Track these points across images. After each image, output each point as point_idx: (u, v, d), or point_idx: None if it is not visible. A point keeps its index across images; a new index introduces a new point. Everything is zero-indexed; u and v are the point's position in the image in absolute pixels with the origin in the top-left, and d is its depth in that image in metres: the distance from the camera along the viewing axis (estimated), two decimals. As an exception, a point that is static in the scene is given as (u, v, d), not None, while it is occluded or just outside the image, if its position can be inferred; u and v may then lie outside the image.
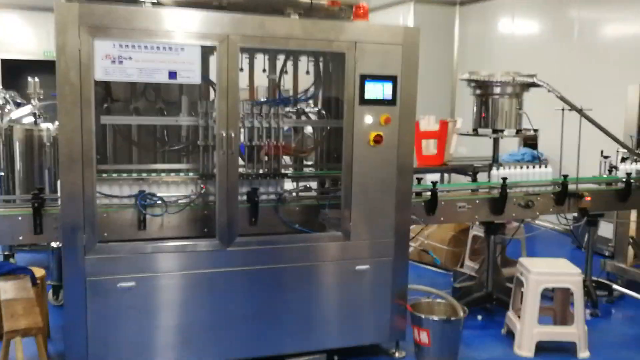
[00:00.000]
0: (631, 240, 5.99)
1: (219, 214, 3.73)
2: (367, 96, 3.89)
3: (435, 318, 4.21)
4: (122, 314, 3.62)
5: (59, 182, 3.59)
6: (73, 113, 3.37)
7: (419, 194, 4.57)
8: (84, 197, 3.45)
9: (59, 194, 3.66)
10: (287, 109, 4.29)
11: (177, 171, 4.12)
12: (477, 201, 4.74)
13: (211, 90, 4.07)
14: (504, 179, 4.78)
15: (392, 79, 3.92)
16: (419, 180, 4.75)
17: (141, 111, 4.13)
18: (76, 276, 3.51)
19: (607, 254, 6.75)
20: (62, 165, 3.41)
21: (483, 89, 5.13)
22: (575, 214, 5.38)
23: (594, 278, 5.66)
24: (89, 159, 3.44)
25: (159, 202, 3.90)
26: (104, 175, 3.90)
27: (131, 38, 3.41)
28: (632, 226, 5.99)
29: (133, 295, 3.62)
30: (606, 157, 5.65)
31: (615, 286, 5.68)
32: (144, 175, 4.01)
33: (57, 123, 4.22)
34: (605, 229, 6.63)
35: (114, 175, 3.95)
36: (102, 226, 3.69)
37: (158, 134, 4.17)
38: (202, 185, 4.01)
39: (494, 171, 4.98)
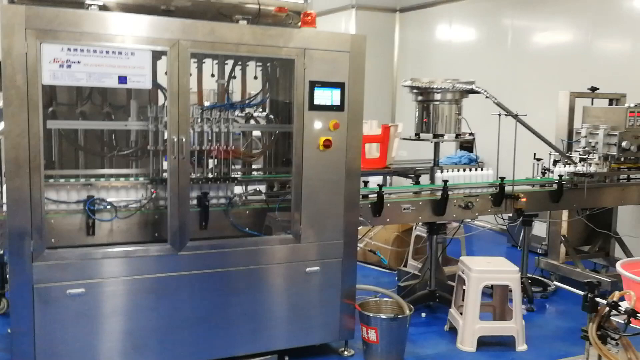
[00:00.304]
0: (563, 239, 6.32)
1: (170, 219, 3.74)
2: (316, 102, 3.98)
3: (383, 316, 4.35)
4: (72, 321, 3.57)
5: (2, 188, 3.52)
6: (20, 117, 3.32)
7: (365, 197, 4.70)
8: (31, 203, 3.40)
9: (2, 199, 3.60)
10: (236, 112, 4.33)
11: (127, 176, 4.10)
12: (421, 203, 4.91)
13: (160, 94, 4.07)
14: (445, 181, 4.98)
15: (340, 85, 4.03)
16: (365, 183, 4.87)
17: (87, 115, 4.09)
18: (23, 284, 3.44)
19: (539, 251, 7.08)
20: (9, 170, 3.35)
21: (424, 95, 5.30)
22: (510, 214, 5.63)
23: (529, 275, 5.94)
24: (36, 164, 3.39)
25: (108, 207, 3.88)
26: (51, 180, 3.84)
27: (80, 42, 3.39)
28: (564, 225, 6.32)
29: (83, 301, 3.58)
30: (539, 160, 5.94)
31: (555, 282, 5.96)
32: (93, 180, 3.97)
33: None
34: (539, 228, 6.97)
35: (62, 180, 3.89)
36: (50, 232, 3.64)
37: (106, 138, 4.13)
38: (152, 190, 4.01)
39: (439, 174, 5.18)
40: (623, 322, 2.87)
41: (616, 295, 2.90)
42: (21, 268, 3.43)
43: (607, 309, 2.87)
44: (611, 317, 2.91)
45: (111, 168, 4.11)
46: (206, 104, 4.27)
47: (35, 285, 3.47)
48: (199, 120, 4.01)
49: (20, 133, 3.33)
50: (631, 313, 2.80)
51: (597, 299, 2.90)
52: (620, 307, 2.85)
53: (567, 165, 5.72)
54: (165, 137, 3.80)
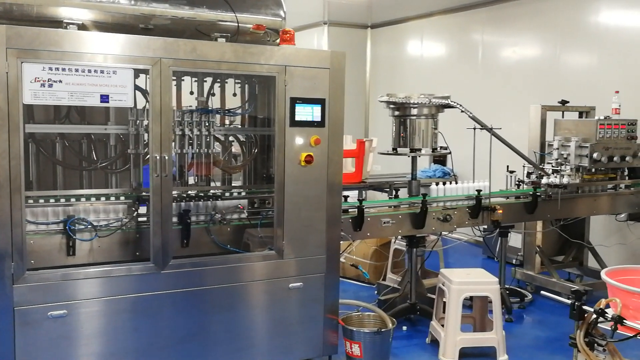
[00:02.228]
0: (538, 249, 6.43)
1: (153, 237, 3.72)
2: (297, 118, 4.02)
3: (367, 330, 4.38)
4: (53, 343, 3.51)
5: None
6: (0, 138, 3.28)
7: (345, 211, 4.72)
8: (11, 225, 3.35)
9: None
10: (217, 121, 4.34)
11: (107, 195, 4.06)
12: (400, 216, 4.96)
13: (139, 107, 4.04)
14: (424, 194, 5.05)
15: (321, 101, 4.08)
16: (345, 198, 4.90)
17: (65, 134, 4.05)
18: (3, 306, 3.38)
19: (515, 262, 7.19)
20: (-11, 191, 3.30)
21: (401, 110, 5.36)
22: (486, 226, 5.72)
23: (506, 286, 6.03)
24: (17, 184, 3.34)
25: (89, 226, 3.84)
26: (31, 201, 3.79)
27: (62, 61, 3.37)
28: (539, 236, 6.44)
29: (64, 323, 3.53)
30: (512, 172, 6.06)
31: (542, 292, 5.98)
32: (73, 200, 3.93)
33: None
34: (514, 239, 7.08)
35: (41, 200, 3.84)
36: (29, 253, 3.59)
37: (85, 154, 4.10)
38: (133, 209, 3.98)
39: (433, 186, 5.30)
40: (610, 328, 2.94)
41: (602, 302, 2.97)
42: (1, 290, 3.37)
43: (594, 316, 2.95)
44: (598, 324, 2.98)
45: (91, 187, 4.08)
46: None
47: (16, 308, 3.41)
48: (179, 124, 4.02)
49: (1, 153, 3.29)
50: (617, 320, 2.87)
51: (584, 307, 2.97)
52: (606, 314, 2.92)
53: (541, 177, 5.83)
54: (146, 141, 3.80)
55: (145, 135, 3.91)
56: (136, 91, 3.84)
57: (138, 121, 3.93)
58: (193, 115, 4.08)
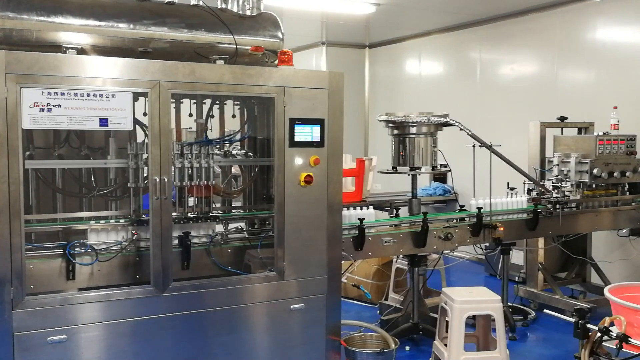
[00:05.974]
0: (540, 266, 6.40)
1: (153, 260, 3.70)
2: (296, 139, 4.01)
3: (369, 351, 4.34)
4: (54, 369, 3.48)
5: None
6: (-1, 163, 3.28)
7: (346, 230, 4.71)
8: (11, 250, 3.33)
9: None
10: (215, 150, 4.33)
11: (106, 218, 4.05)
12: (401, 235, 4.95)
13: (139, 131, 4.04)
14: (425, 213, 5.03)
15: (320, 122, 4.08)
16: (345, 217, 4.89)
17: (65, 158, 4.04)
18: (3, 332, 3.35)
19: (517, 279, 7.15)
20: (-12, 216, 3.29)
21: (400, 129, 5.38)
22: (487, 244, 5.69)
23: (510, 303, 5.99)
24: (16, 209, 3.33)
25: (89, 250, 3.82)
26: (30, 224, 3.78)
27: (61, 85, 3.37)
28: (541, 253, 6.41)
29: (64, 348, 3.49)
30: (512, 189, 6.04)
31: (546, 310, 5.94)
32: (72, 223, 3.92)
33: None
34: (516, 257, 7.05)
35: (37, 225, 3.83)
36: (29, 278, 3.55)
37: (85, 180, 4.09)
38: (133, 232, 3.96)
39: (473, 202, 5.34)
40: (615, 347, 2.91)
41: (607, 320, 2.94)
42: (0, 316, 3.34)
43: (599, 334, 2.92)
44: (603, 343, 2.95)
45: (90, 210, 4.06)
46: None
47: (15, 334, 3.37)
48: (179, 156, 4.00)
49: (0, 178, 3.28)
50: (622, 338, 2.84)
51: (589, 325, 2.94)
52: (611, 333, 2.89)
53: (542, 194, 5.82)
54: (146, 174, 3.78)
55: (145, 168, 3.88)
56: (136, 125, 3.84)
57: (138, 154, 3.91)
58: (192, 148, 4.05)
